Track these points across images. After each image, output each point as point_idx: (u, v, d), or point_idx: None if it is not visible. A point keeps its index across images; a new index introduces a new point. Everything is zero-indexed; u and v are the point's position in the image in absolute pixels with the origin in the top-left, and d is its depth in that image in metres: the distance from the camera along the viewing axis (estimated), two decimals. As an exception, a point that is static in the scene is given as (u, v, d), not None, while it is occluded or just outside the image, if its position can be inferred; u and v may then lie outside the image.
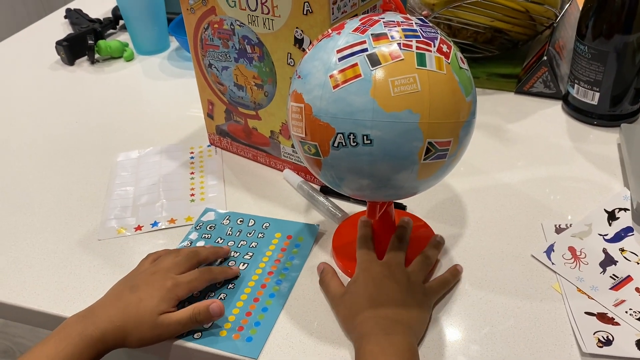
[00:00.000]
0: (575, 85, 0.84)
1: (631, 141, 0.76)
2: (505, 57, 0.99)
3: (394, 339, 0.52)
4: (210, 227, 0.71)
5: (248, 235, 0.69)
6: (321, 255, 0.67)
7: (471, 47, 0.96)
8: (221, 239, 0.69)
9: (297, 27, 0.64)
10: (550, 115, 0.88)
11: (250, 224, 0.71)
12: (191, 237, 0.70)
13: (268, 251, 0.67)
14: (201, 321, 0.57)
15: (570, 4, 0.95)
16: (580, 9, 0.82)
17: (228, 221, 0.72)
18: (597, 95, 0.82)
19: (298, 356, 0.56)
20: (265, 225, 0.71)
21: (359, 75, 0.48)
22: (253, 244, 0.68)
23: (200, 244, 0.69)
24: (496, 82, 0.95)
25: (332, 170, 0.52)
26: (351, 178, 0.52)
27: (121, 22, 1.22)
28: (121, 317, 0.55)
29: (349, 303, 0.57)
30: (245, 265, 0.66)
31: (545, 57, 0.87)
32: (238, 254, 0.67)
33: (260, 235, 0.69)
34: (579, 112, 0.85)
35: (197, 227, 0.71)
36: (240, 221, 0.72)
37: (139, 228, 0.72)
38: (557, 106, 0.90)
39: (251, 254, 0.67)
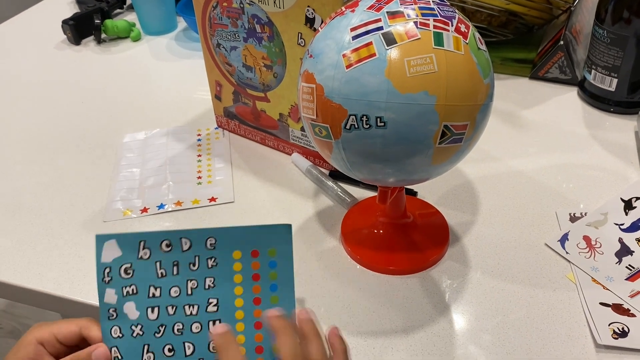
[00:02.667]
0: (593, 70, 0.81)
1: (649, 129, 0.74)
2: (520, 41, 0.96)
3: None
4: (126, 273, 0.44)
5: (192, 268, 0.45)
6: (330, 241, 0.65)
7: (485, 31, 0.93)
8: (156, 289, 0.44)
9: (308, 6, 0.62)
10: (565, 101, 0.86)
11: (185, 247, 0.45)
12: (109, 301, 0.44)
13: (237, 287, 0.45)
14: None
15: (588, -12, 0.93)
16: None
17: (148, 252, 0.44)
18: (615, 81, 0.79)
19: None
20: (210, 242, 0.45)
21: (374, 55, 0.46)
22: (209, 282, 0.45)
23: (129, 308, 0.44)
24: (510, 67, 0.93)
25: (343, 153, 0.50)
26: (363, 162, 0.50)
27: (128, 2, 1.20)
28: None
29: None
30: (215, 323, 0.45)
31: (561, 42, 0.85)
32: (196, 307, 0.45)
33: (210, 262, 0.45)
34: (596, 98, 0.83)
35: (106, 280, 0.44)
36: (168, 246, 0.45)
37: (144, 210, 0.70)
38: (572, 92, 0.87)
39: (214, 301, 0.45)
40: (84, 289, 0.61)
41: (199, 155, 0.79)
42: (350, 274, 0.61)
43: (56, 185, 0.76)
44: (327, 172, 0.74)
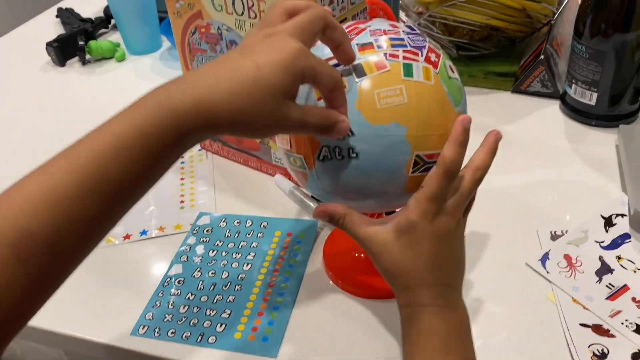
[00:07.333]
0: (573, 85, 0.82)
1: (629, 143, 0.74)
2: (502, 54, 0.96)
3: (458, 314, 0.48)
4: (207, 231, 0.70)
5: (247, 235, 0.69)
6: (313, 264, 0.65)
7: (467, 45, 0.94)
8: (220, 242, 0.69)
9: (284, 32, 0.62)
10: (547, 115, 0.86)
11: (247, 225, 0.71)
12: (189, 242, 0.69)
13: (270, 250, 0.67)
14: (321, 126, 0.43)
15: (568, 1, 0.93)
16: (579, 4, 0.79)
17: (225, 223, 0.71)
18: (595, 95, 0.80)
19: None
20: (263, 224, 0.70)
21: (344, 87, 0.46)
22: (254, 244, 0.68)
23: (199, 248, 0.68)
24: (493, 81, 0.93)
25: (318, 182, 0.51)
26: (338, 191, 0.50)
27: (113, 21, 1.20)
28: (228, 88, 0.38)
29: (402, 258, 0.47)
30: (249, 265, 0.65)
31: (542, 56, 0.86)
32: (240, 255, 0.66)
33: (259, 234, 0.69)
34: (577, 112, 0.83)
35: (194, 232, 0.70)
36: (237, 222, 0.71)
37: (127, 237, 0.70)
38: (554, 106, 0.88)
39: (253, 254, 0.67)
40: (63, 321, 0.61)
41: (182, 179, 0.79)
42: (332, 299, 0.61)
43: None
44: (310, 193, 0.74)
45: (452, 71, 0.50)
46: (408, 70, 0.46)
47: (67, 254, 0.37)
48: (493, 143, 0.49)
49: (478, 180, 0.49)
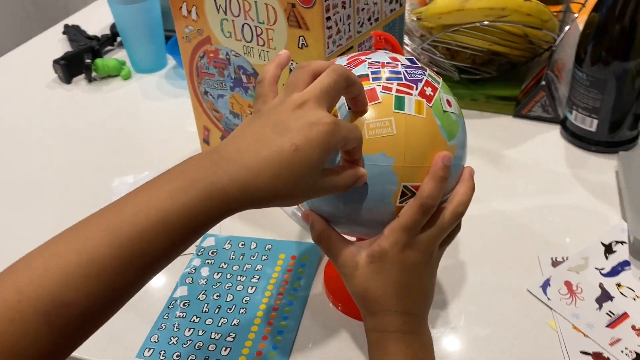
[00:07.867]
0: (574, 111, 0.83)
1: (629, 170, 0.75)
2: (504, 78, 0.98)
3: (422, 339, 0.50)
4: (212, 253, 0.71)
5: (252, 258, 0.70)
6: (316, 287, 0.66)
7: (469, 69, 0.95)
8: (225, 264, 0.70)
9: (292, 60, 0.64)
10: (548, 140, 0.87)
11: (252, 247, 0.72)
12: (194, 264, 0.70)
13: (274, 273, 0.68)
14: (347, 185, 0.45)
15: (570, 27, 0.95)
16: (580, 32, 0.81)
17: (229, 245, 0.72)
18: (596, 122, 0.81)
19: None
20: (267, 247, 0.72)
21: (336, 116, 0.47)
22: (258, 267, 0.69)
23: (205, 270, 0.69)
24: (494, 105, 0.94)
25: (313, 208, 0.52)
26: (330, 217, 0.51)
27: (119, 39, 1.22)
28: (270, 173, 0.40)
29: (370, 284, 0.49)
30: (254, 288, 0.66)
31: (543, 82, 0.87)
32: (244, 277, 0.68)
33: (264, 257, 0.70)
34: (578, 138, 0.85)
35: (199, 254, 0.71)
36: (242, 245, 0.72)
37: (133, 257, 0.71)
38: (555, 130, 0.89)
39: (258, 277, 0.68)
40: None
41: (188, 199, 0.80)
42: (335, 323, 0.62)
43: (42, 232, 0.76)
44: (313, 216, 0.75)
45: (450, 105, 0.50)
46: (399, 103, 0.47)
47: (97, 320, 0.39)
48: (470, 179, 0.51)
49: (459, 215, 0.49)
